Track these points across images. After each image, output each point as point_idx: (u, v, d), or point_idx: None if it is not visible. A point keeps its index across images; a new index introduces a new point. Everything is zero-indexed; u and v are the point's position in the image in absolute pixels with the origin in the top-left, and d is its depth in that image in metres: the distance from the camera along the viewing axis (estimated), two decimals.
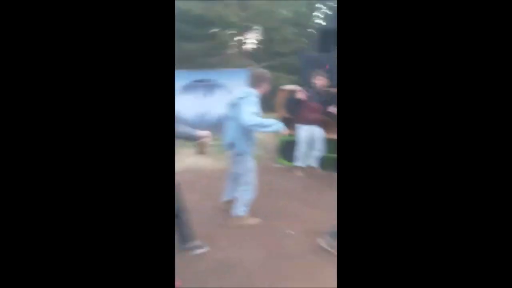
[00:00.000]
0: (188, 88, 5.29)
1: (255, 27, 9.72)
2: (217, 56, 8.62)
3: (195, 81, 5.26)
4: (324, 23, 9.29)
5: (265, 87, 2.21)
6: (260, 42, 10.56)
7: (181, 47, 8.16)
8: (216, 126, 4.17)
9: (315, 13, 10.85)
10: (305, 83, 3.54)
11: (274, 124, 2.09)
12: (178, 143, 1.48)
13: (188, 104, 5.00)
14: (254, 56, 9.56)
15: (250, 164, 2.24)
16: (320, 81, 3.25)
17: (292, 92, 3.41)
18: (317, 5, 10.78)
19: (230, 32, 9.24)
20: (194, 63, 7.77)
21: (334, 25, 4.03)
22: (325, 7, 10.26)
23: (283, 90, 3.74)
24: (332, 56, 3.71)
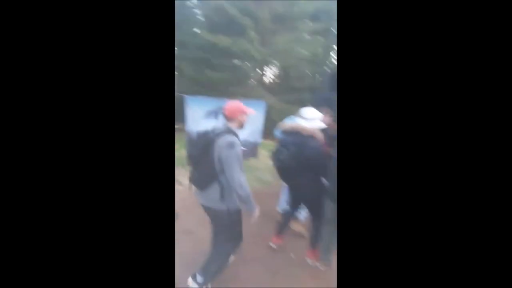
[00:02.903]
0: (210, 113, 5.80)
1: (274, 62, 10.49)
2: (238, 86, 9.32)
3: (218, 107, 5.75)
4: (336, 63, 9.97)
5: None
6: (277, 77, 11.30)
7: (206, 74, 8.93)
8: None
9: (331, 53, 11.63)
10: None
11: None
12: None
13: None
14: (271, 90, 10.24)
15: None
16: (326, 118, 3.63)
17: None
18: (334, 46, 11.60)
19: (250, 65, 10.02)
20: (217, 91, 8.46)
21: None
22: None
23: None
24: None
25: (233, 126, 1.88)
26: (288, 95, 9.29)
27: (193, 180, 1.88)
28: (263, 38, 9.17)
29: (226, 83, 9.25)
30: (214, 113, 5.88)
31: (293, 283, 2.29)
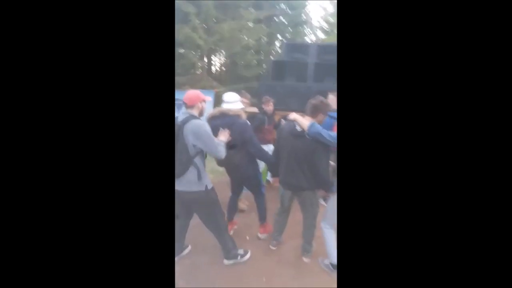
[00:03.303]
0: None
1: (220, 50, 10.43)
2: (185, 76, 9.10)
3: None
4: (280, 52, 10.32)
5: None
6: (224, 65, 11.27)
7: None
8: None
9: (276, 42, 11.93)
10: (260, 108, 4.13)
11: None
12: None
13: None
14: (219, 79, 10.20)
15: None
16: (269, 106, 3.85)
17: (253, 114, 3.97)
18: (278, 35, 11.89)
19: (196, 53, 9.82)
20: None
21: (288, 56, 4.67)
22: (283, 39, 11.40)
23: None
24: (285, 84, 4.38)
25: (194, 113, 2.07)
26: (236, 84, 9.37)
27: None
28: (207, 26, 9.02)
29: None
30: None
31: (249, 264, 2.45)
